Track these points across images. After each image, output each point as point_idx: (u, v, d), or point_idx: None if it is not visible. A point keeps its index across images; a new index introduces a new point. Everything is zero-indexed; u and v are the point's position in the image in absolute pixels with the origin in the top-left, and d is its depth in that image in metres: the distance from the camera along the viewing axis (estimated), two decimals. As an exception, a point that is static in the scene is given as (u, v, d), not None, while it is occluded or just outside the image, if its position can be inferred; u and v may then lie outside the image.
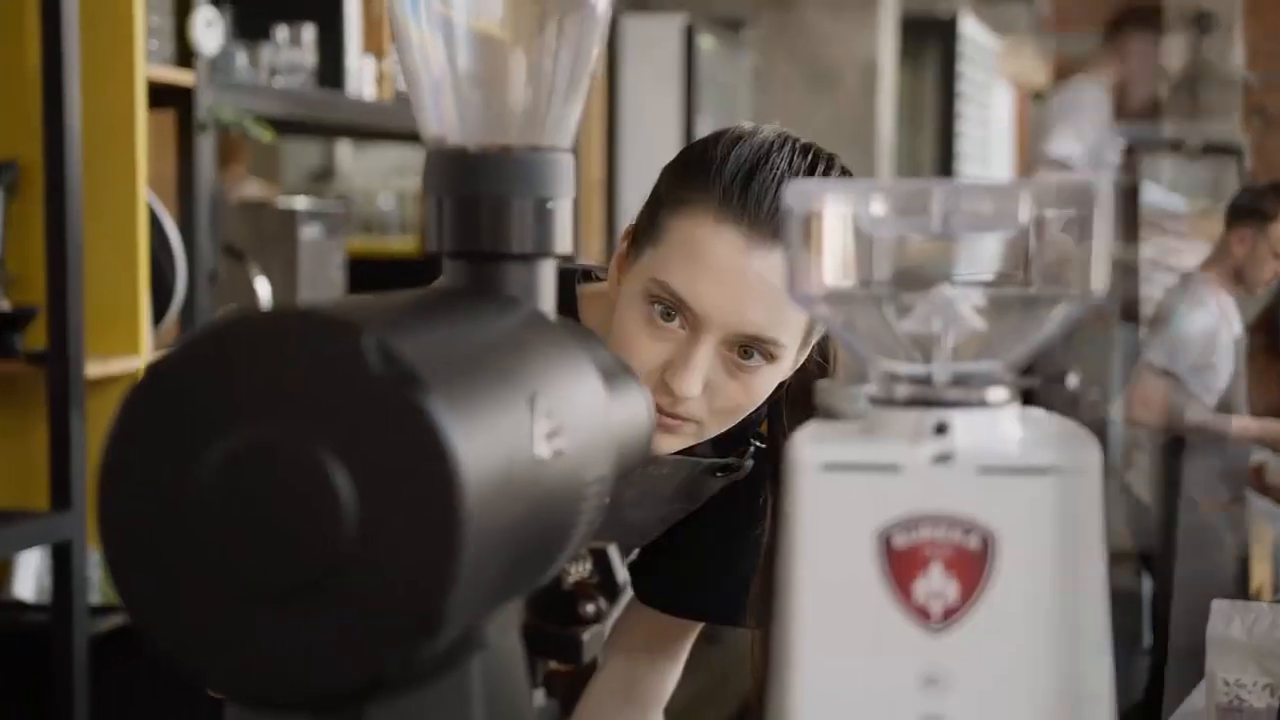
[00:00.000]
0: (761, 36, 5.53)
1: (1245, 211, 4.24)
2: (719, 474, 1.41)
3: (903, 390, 0.66)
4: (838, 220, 0.66)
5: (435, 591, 0.57)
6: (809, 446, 0.65)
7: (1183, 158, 5.95)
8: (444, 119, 0.76)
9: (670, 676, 1.54)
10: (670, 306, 1.23)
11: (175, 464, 0.59)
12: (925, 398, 0.66)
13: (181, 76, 2.61)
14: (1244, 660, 1.84)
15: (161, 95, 2.60)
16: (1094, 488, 0.63)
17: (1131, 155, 5.34)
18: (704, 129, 6.10)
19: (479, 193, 0.74)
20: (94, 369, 2.37)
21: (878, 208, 0.66)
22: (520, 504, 0.62)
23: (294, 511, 0.57)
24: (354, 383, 0.57)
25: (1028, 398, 0.69)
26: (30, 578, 2.59)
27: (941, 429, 0.65)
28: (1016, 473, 0.63)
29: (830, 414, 0.73)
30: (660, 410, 1.24)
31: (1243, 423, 4.16)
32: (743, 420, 1.35)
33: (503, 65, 0.76)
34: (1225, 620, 1.95)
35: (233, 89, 2.80)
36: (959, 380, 0.66)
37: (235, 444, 0.58)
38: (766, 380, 1.26)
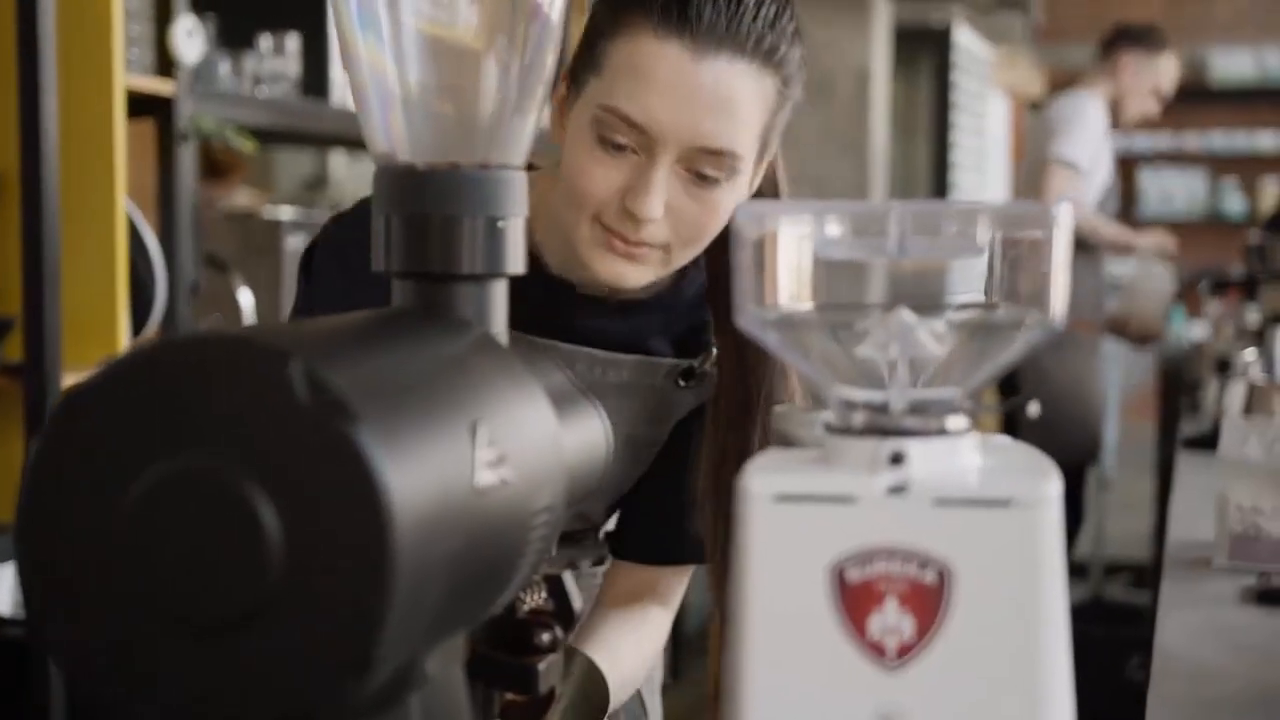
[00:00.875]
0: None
1: (1132, 37, 4.39)
2: (682, 382, 1.38)
3: (859, 418, 0.64)
4: (791, 242, 0.64)
5: (366, 629, 0.55)
6: (760, 477, 0.63)
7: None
8: (392, 135, 0.74)
9: (666, 623, 1.48)
10: (620, 132, 1.20)
11: (98, 493, 0.56)
12: (881, 426, 0.64)
13: (162, 86, 2.59)
14: (1261, 483, 1.74)
15: (142, 104, 2.57)
16: (1054, 520, 0.61)
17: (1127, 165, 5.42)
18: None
19: (428, 211, 0.72)
20: (71, 381, 2.35)
21: (832, 230, 0.64)
22: (458, 536, 0.59)
23: (219, 544, 0.55)
24: (281, 412, 0.55)
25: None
26: (7, 591, 2.56)
27: (897, 459, 0.62)
28: (974, 505, 0.61)
29: (786, 440, 0.71)
30: (624, 240, 1.23)
31: (1116, 229, 4.37)
32: (698, 316, 1.36)
33: (452, 80, 0.74)
34: (1240, 438, 1.81)
35: (214, 98, 2.78)
36: (917, 408, 0.64)
37: (159, 474, 0.56)
38: (727, 199, 1.23)
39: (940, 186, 7.37)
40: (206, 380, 0.56)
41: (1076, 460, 4.32)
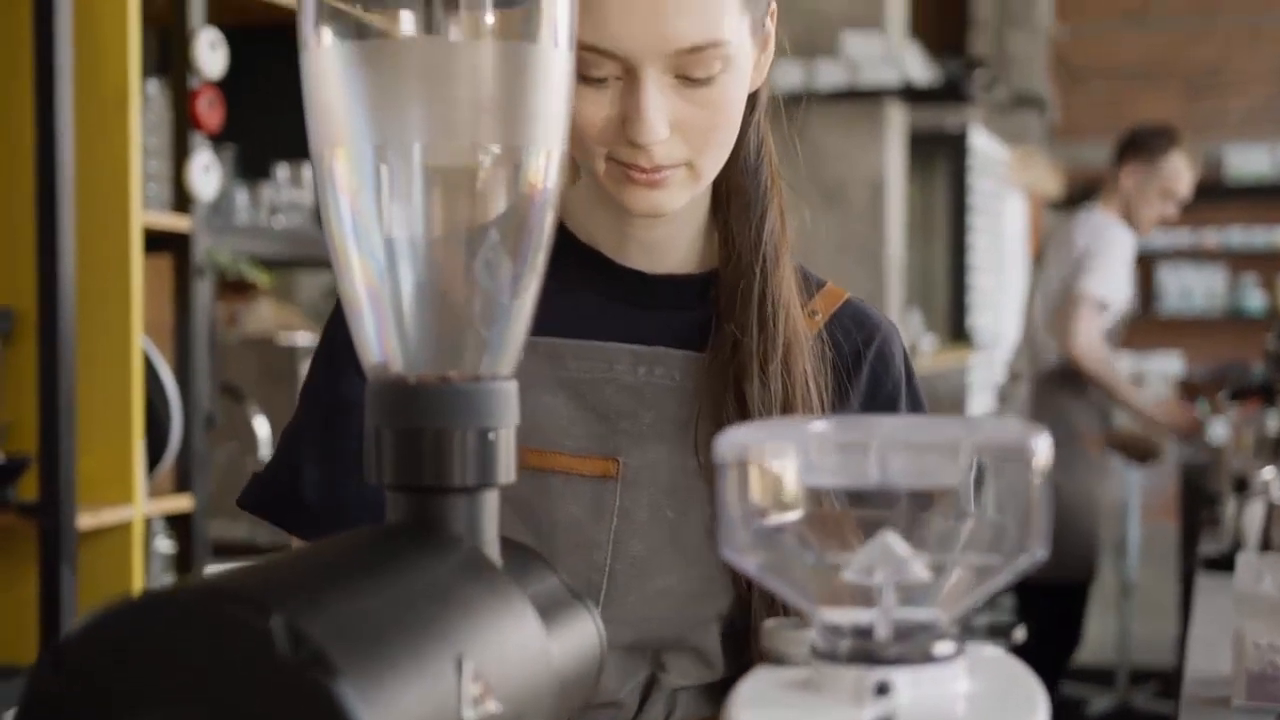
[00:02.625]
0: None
1: (1133, 146, 4.38)
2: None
3: (844, 645, 0.64)
4: (773, 469, 0.64)
5: None
6: (748, 710, 0.62)
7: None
8: (385, 347, 0.75)
9: None
10: (594, 65, 1.11)
11: (82, 746, 0.57)
12: (867, 653, 0.64)
13: (179, 222, 2.62)
14: (1277, 620, 1.69)
15: (159, 240, 2.60)
16: (1041, 753, 0.61)
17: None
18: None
19: (420, 425, 0.73)
20: (86, 520, 2.36)
21: (814, 457, 0.64)
22: (443, 778, 0.59)
23: (201, 799, 0.55)
24: (263, 667, 0.55)
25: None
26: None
27: (883, 689, 0.62)
28: (961, 738, 0.61)
29: (775, 658, 0.70)
30: (640, 169, 1.14)
31: (1132, 393, 4.33)
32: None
33: (443, 294, 0.75)
34: (1253, 574, 1.76)
35: (231, 232, 2.81)
36: (902, 633, 0.64)
37: (143, 726, 0.56)
38: (731, 90, 1.14)
39: (958, 290, 7.39)
40: (187, 635, 0.56)
41: (1078, 579, 4.28)
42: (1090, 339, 4.20)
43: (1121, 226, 4.40)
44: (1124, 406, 4.39)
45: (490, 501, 0.74)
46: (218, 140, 2.77)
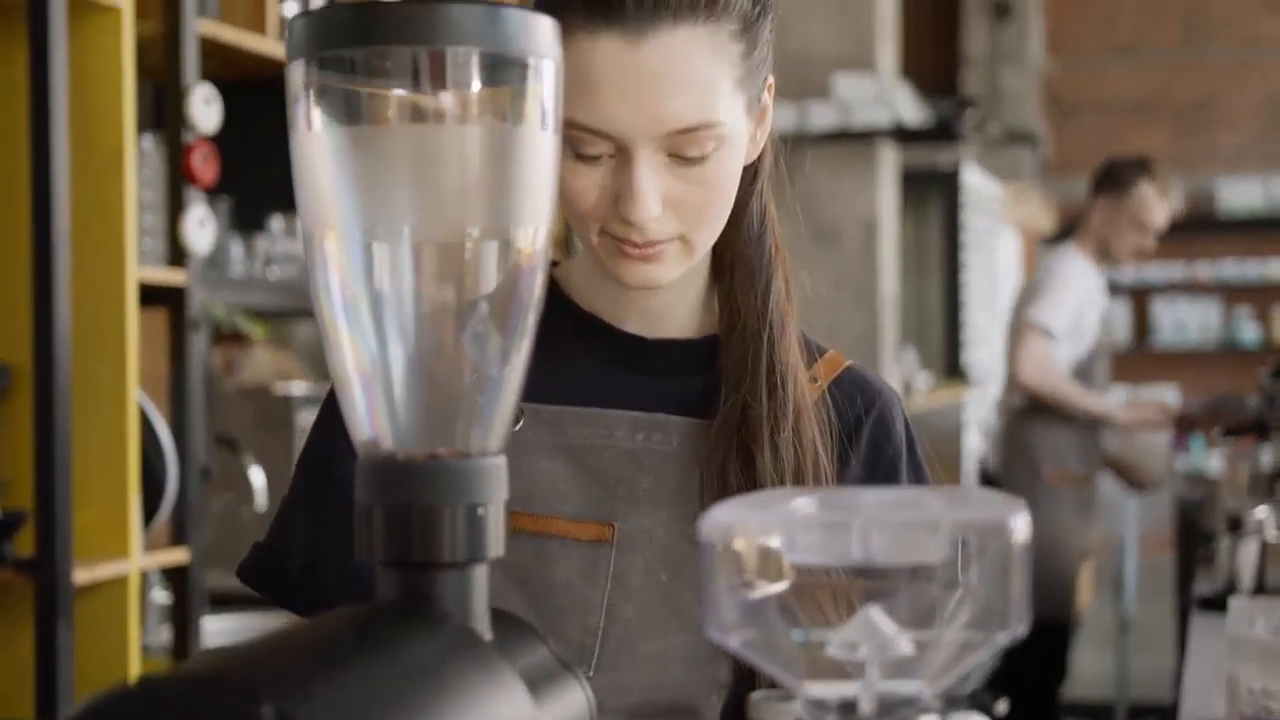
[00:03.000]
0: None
1: (1098, 181, 4.39)
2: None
3: (829, 719, 0.65)
4: (757, 547, 0.65)
5: None
6: (732, 786, 0.63)
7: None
8: (375, 424, 0.76)
9: None
10: (587, 142, 1.12)
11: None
12: (852, 728, 0.65)
13: (173, 276, 2.63)
14: (1270, 665, 1.67)
15: (155, 293, 2.62)
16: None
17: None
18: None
19: (409, 502, 0.74)
20: (82, 575, 2.36)
21: (798, 536, 0.65)
22: None
23: None
24: (254, 754, 0.56)
25: None
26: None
27: (867, 763, 0.63)
28: (943, 813, 0.62)
29: (763, 731, 0.72)
30: (633, 244, 1.14)
31: (1089, 399, 4.29)
32: None
33: (433, 371, 0.76)
34: (1246, 619, 1.75)
35: (226, 285, 2.83)
36: (886, 707, 0.65)
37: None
38: (724, 167, 1.14)
39: (952, 327, 7.40)
40: (180, 723, 0.57)
41: (1054, 618, 4.26)
42: (1036, 363, 4.21)
43: (1082, 259, 4.41)
44: (1088, 416, 4.36)
45: (480, 576, 0.75)
46: (213, 193, 2.79)
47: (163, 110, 2.75)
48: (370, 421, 0.76)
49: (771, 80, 1.22)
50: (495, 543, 0.75)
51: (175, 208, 2.65)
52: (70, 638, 2.30)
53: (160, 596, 2.89)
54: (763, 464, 1.18)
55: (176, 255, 2.64)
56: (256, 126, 2.64)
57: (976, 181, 7.65)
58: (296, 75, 0.74)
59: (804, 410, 1.20)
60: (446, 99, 0.78)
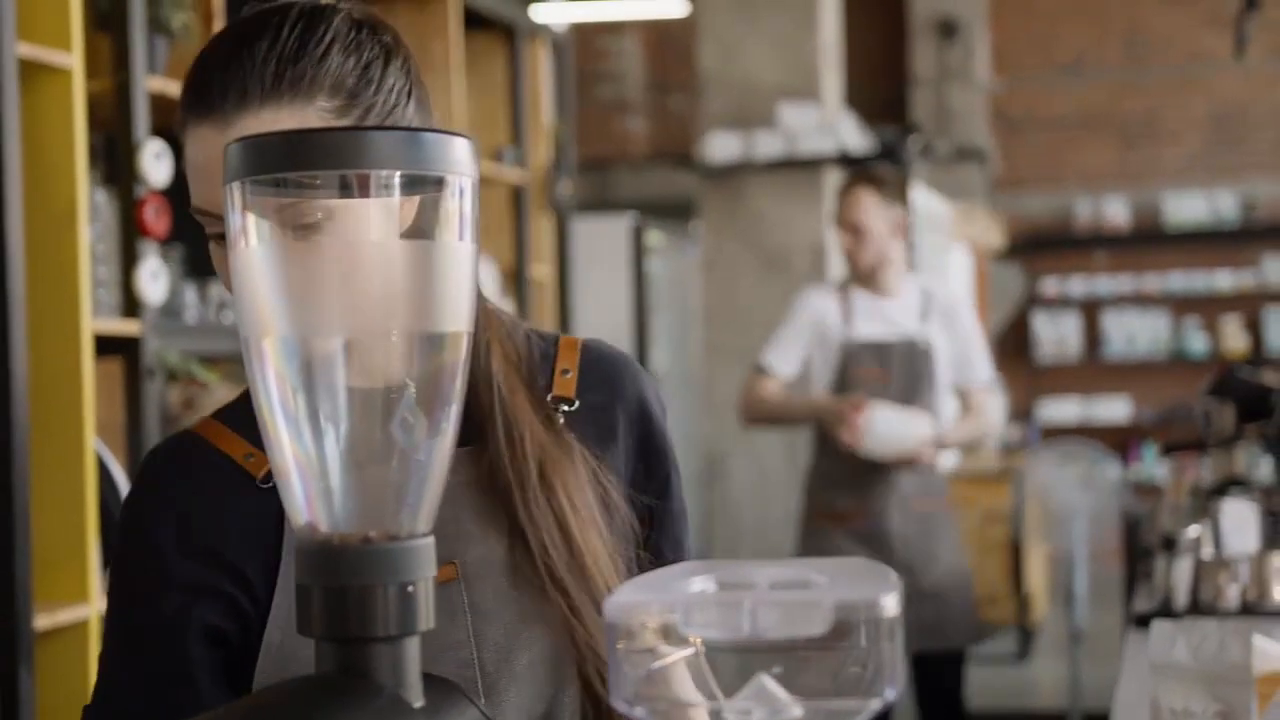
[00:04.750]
0: (711, 225, 5.66)
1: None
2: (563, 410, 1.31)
3: (726, 782, 0.72)
4: (655, 625, 0.72)
5: None
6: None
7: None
8: (312, 510, 0.83)
9: None
10: (207, 223, 1.19)
11: None
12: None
13: (128, 326, 2.69)
14: (1190, 687, 1.71)
15: (110, 344, 2.67)
16: None
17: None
18: (656, 320, 6.21)
19: (345, 583, 0.81)
20: (42, 620, 2.41)
21: (693, 614, 0.72)
22: None
23: None
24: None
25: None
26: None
27: (758, 819, 0.70)
28: None
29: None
30: None
31: (792, 401, 4.17)
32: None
33: (363, 461, 0.83)
34: (1168, 642, 1.79)
35: (180, 333, 2.88)
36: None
37: None
38: (335, 240, 1.11)
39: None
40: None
41: (970, 636, 4.26)
42: (744, 399, 4.17)
43: (813, 290, 4.24)
44: (801, 416, 4.23)
45: (411, 647, 0.82)
46: (165, 242, 2.84)
47: (115, 166, 2.81)
48: (308, 507, 0.83)
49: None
50: (426, 616, 0.82)
51: (129, 260, 2.70)
52: (32, 683, 2.35)
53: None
54: (528, 523, 1.24)
55: (130, 306, 2.70)
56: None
57: (925, 202, 7.75)
58: (234, 196, 0.81)
59: (546, 459, 1.26)
60: (372, 214, 0.86)
